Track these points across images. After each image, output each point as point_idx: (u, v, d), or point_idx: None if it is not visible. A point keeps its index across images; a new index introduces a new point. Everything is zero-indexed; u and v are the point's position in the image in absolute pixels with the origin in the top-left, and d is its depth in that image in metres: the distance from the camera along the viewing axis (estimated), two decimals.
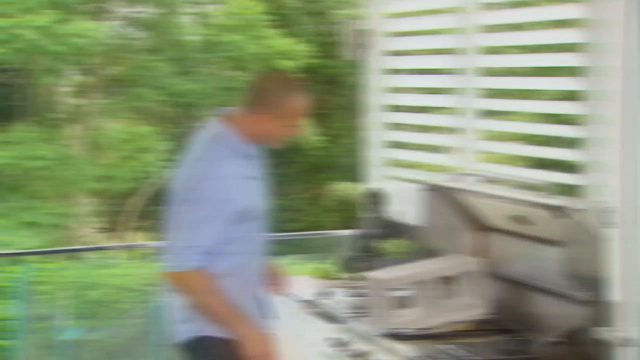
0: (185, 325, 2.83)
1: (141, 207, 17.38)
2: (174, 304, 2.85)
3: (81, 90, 16.30)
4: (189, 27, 16.51)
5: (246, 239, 2.80)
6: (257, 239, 2.85)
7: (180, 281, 2.67)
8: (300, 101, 2.78)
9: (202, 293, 2.67)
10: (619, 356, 1.95)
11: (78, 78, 16.58)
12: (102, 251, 11.83)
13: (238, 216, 2.73)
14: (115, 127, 14.85)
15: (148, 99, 14.18)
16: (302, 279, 3.62)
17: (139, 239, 18.74)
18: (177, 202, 2.75)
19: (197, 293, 2.68)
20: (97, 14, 14.68)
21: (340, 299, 3.39)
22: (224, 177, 2.70)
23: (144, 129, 14.14)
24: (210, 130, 2.83)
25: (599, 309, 2.45)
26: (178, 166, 2.86)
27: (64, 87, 16.46)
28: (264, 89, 2.77)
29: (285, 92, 2.76)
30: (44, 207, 13.05)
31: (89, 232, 17.57)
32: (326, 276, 3.66)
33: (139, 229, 18.96)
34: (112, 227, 18.62)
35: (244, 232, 2.78)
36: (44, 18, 12.10)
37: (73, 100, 16.23)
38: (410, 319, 2.88)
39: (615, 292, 1.94)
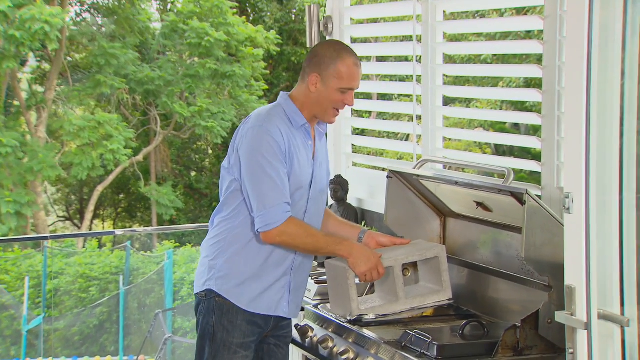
0: (196, 280, 2.90)
1: (104, 195, 17.21)
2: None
3: (42, 77, 16.06)
4: (152, 14, 16.34)
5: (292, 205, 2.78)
6: (299, 210, 2.81)
7: (279, 236, 2.71)
8: (350, 64, 2.74)
9: (300, 237, 2.74)
10: (577, 339, 1.99)
11: (39, 64, 16.33)
12: (64, 239, 11.72)
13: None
14: (77, 114, 14.66)
15: (110, 86, 14.00)
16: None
17: (101, 227, 18.58)
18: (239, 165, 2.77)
19: (296, 239, 2.74)
20: None
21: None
22: (269, 130, 2.72)
23: (107, 116, 13.97)
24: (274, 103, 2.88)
25: (557, 293, 2.50)
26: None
27: (25, 74, 16.19)
28: (317, 52, 2.78)
29: (337, 54, 2.75)
30: (5, 195, 12.84)
31: (50, 220, 17.36)
32: None
33: (101, 216, 18.79)
34: (74, 215, 18.42)
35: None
36: (3, 2, 11.87)
37: (34, 87, 15.98)
38: (373, 305, 2.89)
39: (572, 277, 1.97)
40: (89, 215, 16.04)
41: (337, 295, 2.91)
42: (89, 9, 16.02)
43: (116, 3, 15.24)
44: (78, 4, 15.93)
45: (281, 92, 2.87)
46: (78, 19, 15.76)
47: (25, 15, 12.21)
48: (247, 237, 2.79)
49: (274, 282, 2.82)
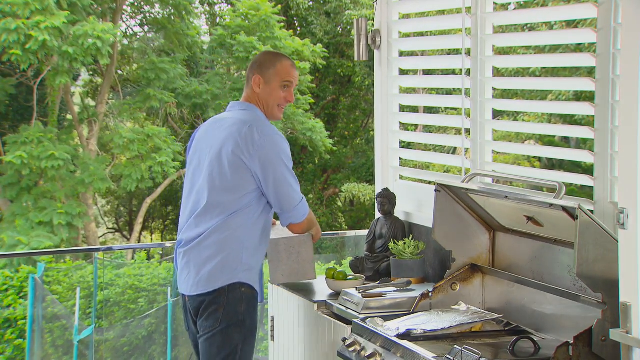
0: (213, 278, 3.12)
1: (152, 207, 17.44)
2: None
3: (94, 90, 16.38)
4: (200, 28, 16.55)
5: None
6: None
7: (307, 223, 3.31)
8: (287, 65, 3.21)
9: (314, 220, 3.41)
10: (633, 358, 1.94)
11: (91, 78, 16.66)
12: (114, 251, 11.90)
13: None
14: (127, 127, 14.91)
15: (160, 100, 14.22)
16: (316, 280, 3.64)
17: (149, 239, 18.81)
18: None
19: (312, 220, 3.37)
20: (110, 15, 14.73)
21: (352, 300, 3.39)
22: (283, 137, 3.18)
23: (155, 129, 14.18)
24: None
25: (611, 310, 2.45)
26: None
27: (78, 87, 16.53)
28: (257, 60, 3.25)
29: (276, 57, 3.25)
30: (57, 206, 13.11)
31: (100, 232, 17.65)
32: (339, 277, 3.67)
33: (150, 228, 19.04)
34: (123, 227, 18.69)
35: None
36: (57, 19, 12.15)
37: (86, 101, 16.31)
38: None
39: (627, 293, 1.93)
40: (137, 227, 16.26)
41: (295, 264, 3.44)
42: (139, 24, 16.30)
43: (166, 17, 15.47)
44: (129, 19, 16.22)
45: (238, 102, 3.25)
46: (129, 33, 16.04)
47: (78, 32, 12.47)
48: (258, 231, 3.16)
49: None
